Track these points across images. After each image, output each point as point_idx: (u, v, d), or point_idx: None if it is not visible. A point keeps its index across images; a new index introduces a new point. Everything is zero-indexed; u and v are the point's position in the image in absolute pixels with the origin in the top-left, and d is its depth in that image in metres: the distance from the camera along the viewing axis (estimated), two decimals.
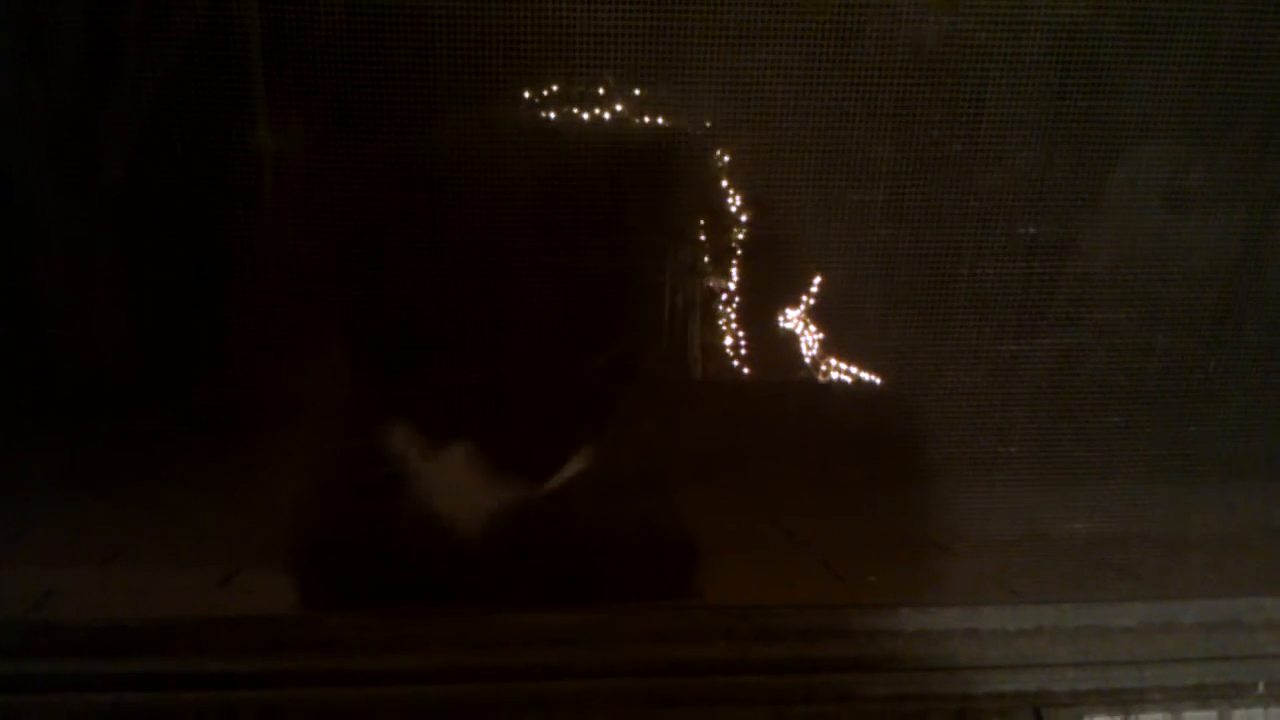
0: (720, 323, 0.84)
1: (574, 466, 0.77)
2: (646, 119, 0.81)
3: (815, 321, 0.80)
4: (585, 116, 0.79)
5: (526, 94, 0.79)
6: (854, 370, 0.81)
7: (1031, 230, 0.80)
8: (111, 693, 0.72)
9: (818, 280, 0.79)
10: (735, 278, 0.82)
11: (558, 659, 0.73)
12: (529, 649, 0.73)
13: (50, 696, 0.72)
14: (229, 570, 0.78)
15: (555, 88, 0.81)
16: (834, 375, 0.81)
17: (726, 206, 0.84)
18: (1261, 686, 0.74)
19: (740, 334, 0.83)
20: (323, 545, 0.78)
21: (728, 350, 0.84)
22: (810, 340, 0.81)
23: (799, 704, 0.73)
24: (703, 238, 0.85)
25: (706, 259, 0.85)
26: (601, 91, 0.79)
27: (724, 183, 0.82)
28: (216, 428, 0.81)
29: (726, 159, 0.79)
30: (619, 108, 0.78)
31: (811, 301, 0.80)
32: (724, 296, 0.85)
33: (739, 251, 0.81)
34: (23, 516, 0.89)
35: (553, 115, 0.79)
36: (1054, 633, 0.76)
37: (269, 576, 0.79)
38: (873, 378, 0.80)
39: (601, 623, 0.75)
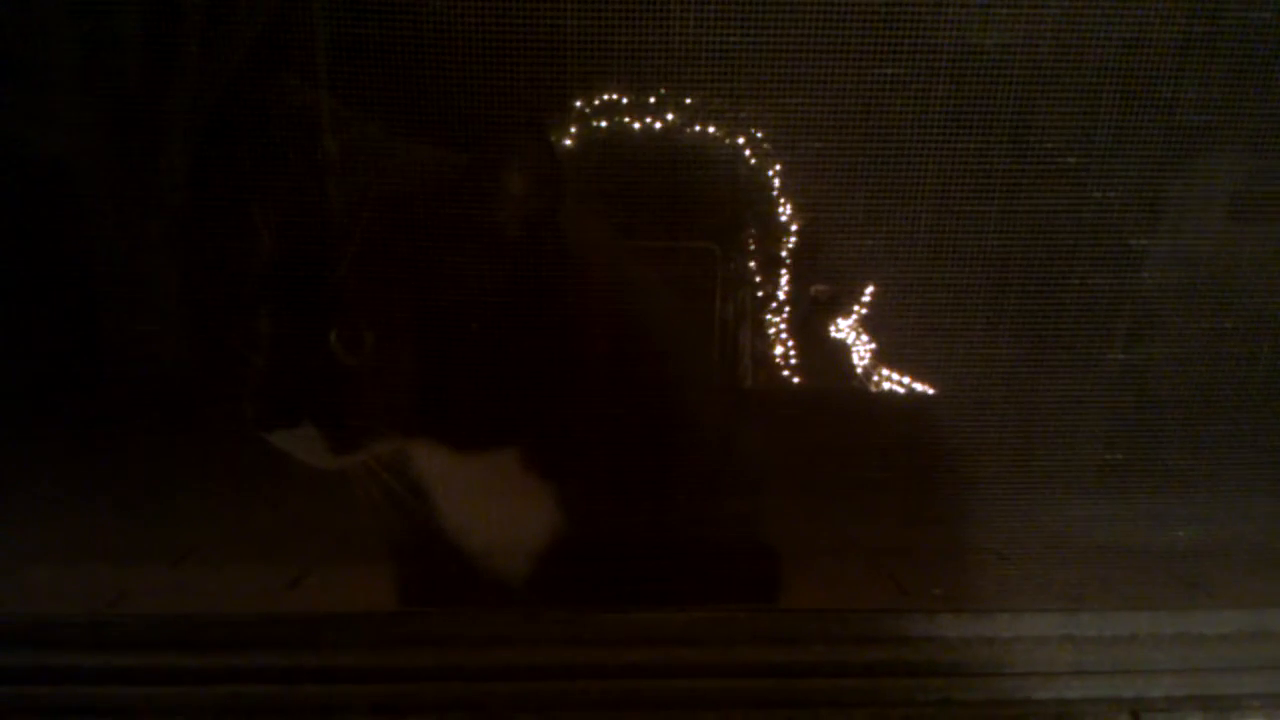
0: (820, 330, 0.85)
1: (679, 470, 0.77)
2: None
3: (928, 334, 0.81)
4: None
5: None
6: (967, 381, 0.81)
7: (1117, 241, 0.80)
8: (188, 685, 0.72)
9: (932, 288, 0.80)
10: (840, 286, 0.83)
11: (661, 659, 0.74)
12: (631, 648, 0.74)
13: (132, 689, 0.72)
14: (344, 562, 0.79)
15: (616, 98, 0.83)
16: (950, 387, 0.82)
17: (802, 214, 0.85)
18: None
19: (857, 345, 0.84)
20: (421, 543, 0.78)
21: (825, 359, 0.85)
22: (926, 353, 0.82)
23: (899, 707, 0.73)
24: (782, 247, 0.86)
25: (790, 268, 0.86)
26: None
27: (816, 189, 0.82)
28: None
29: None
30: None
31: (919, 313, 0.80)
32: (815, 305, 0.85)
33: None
34: (97, 517, 0.89)
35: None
36: (1151, 639, 0.76)
37: (364, 573, 0.80)
38: (980, 390, 0.81)
39: (703, 624, 0.76)
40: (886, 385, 0.86)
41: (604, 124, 0.86)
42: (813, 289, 0.84)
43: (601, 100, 0.85)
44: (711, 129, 0.85)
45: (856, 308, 0.85)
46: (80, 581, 0.82)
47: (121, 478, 0.90)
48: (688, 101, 0.85)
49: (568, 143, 0.86)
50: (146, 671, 0.73)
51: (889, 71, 0.73)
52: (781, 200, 0.86)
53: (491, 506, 0.76)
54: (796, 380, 0.85)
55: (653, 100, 0.85)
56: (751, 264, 0.86)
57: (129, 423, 0.90)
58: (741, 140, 0.84)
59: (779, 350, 0.86)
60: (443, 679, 0.71)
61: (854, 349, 0.84)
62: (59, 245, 0.83)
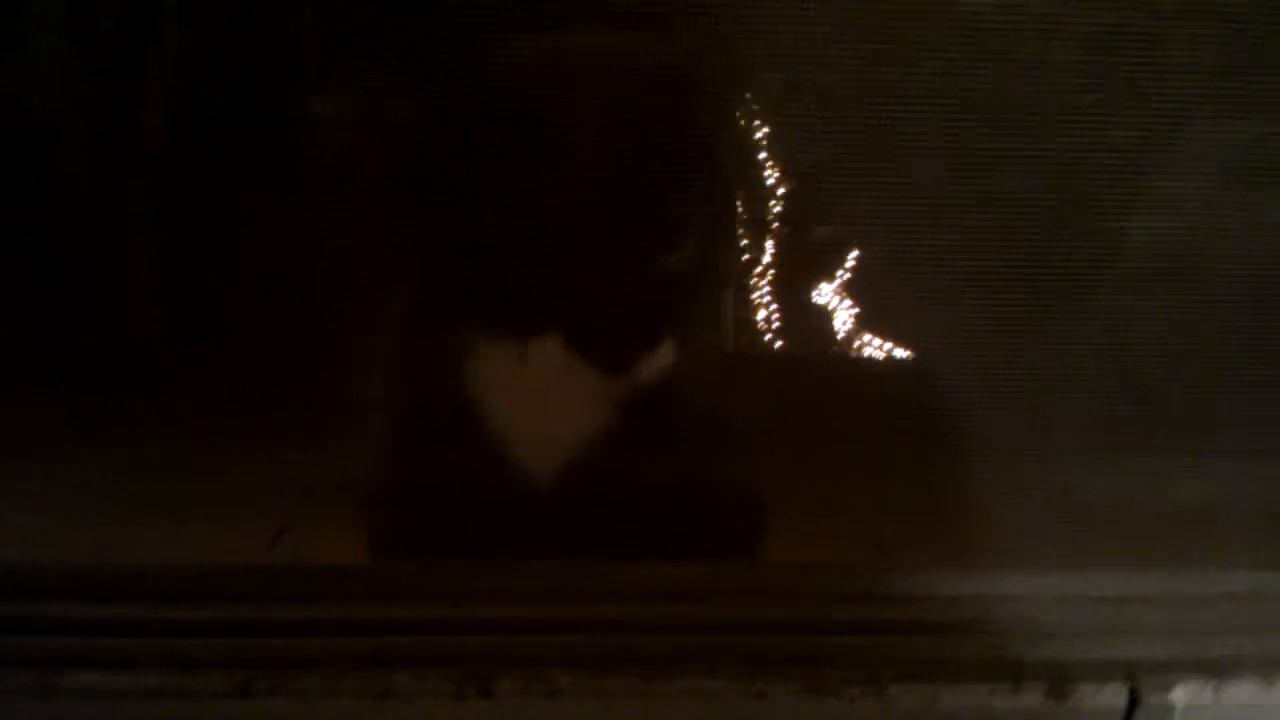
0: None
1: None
2: None
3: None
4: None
5: None
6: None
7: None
8: (176, 638, 0.72)
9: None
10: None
11: (647, 613, 0.73)
12: (617, 602, 0.73)
13: (121, 640, 0.72)
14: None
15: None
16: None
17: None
18: None
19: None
20: (425, 493, 0.78)
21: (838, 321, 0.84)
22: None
23: (889, 665, 0.72)
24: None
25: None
26: None
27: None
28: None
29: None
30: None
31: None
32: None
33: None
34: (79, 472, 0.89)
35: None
36: (1146, 600, 0.75)
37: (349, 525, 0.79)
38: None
39: (690, 578, 0.75)
40: (894, 350, 0.84)
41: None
42: (807, 245, 0.83)
43: None
44: None
45: (842, 272, 0.83)
46: (69, 532, 0.82)
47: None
48: None
49: None
50: (135, 623, 0.73)
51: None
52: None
53: (479, 458, 0.76)
54: (786, 342, 0.84)
55: None
56: (750, 218, 0.84)
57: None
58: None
59: (767, 313, 0.85)
60: (423, 632, 0.70)
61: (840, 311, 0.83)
62: (55, 197, 0.82)
